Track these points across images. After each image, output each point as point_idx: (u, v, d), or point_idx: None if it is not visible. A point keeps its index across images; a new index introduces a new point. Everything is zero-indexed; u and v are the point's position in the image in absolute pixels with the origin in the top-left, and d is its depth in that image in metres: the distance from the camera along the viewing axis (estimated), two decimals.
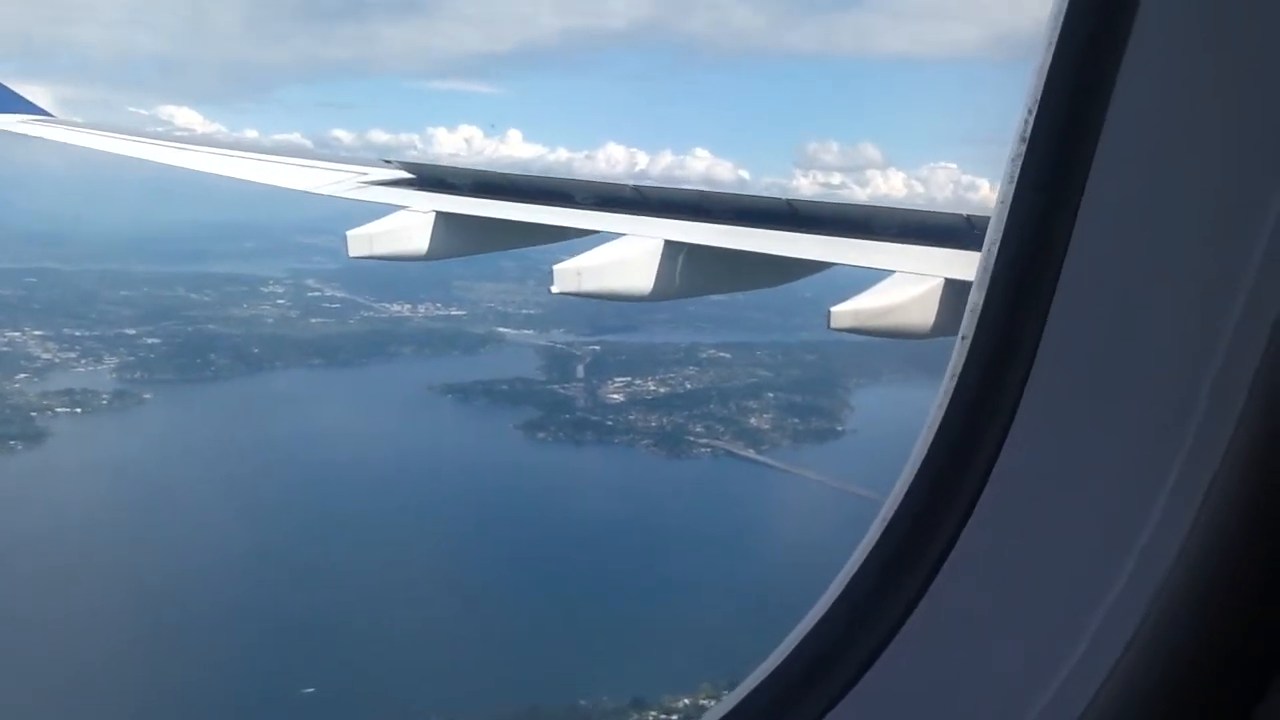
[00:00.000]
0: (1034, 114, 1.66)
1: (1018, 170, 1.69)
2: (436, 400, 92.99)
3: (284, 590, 58.72)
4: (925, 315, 6.83)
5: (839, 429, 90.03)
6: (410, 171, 10.66)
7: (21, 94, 15.73)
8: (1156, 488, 1.60)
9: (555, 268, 8.14)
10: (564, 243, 9.23)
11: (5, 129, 14.69)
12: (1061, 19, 1.61)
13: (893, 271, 7.12)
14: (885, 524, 1.93)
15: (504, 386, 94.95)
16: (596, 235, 8.78)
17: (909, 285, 6.91)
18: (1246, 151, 1.50)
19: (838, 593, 1.98)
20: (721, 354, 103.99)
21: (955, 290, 6.70)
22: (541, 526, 69.52)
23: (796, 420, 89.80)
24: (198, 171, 12.27)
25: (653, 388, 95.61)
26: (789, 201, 8.53)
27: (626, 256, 8.21)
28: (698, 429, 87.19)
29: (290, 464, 76.79)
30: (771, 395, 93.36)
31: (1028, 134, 1.67)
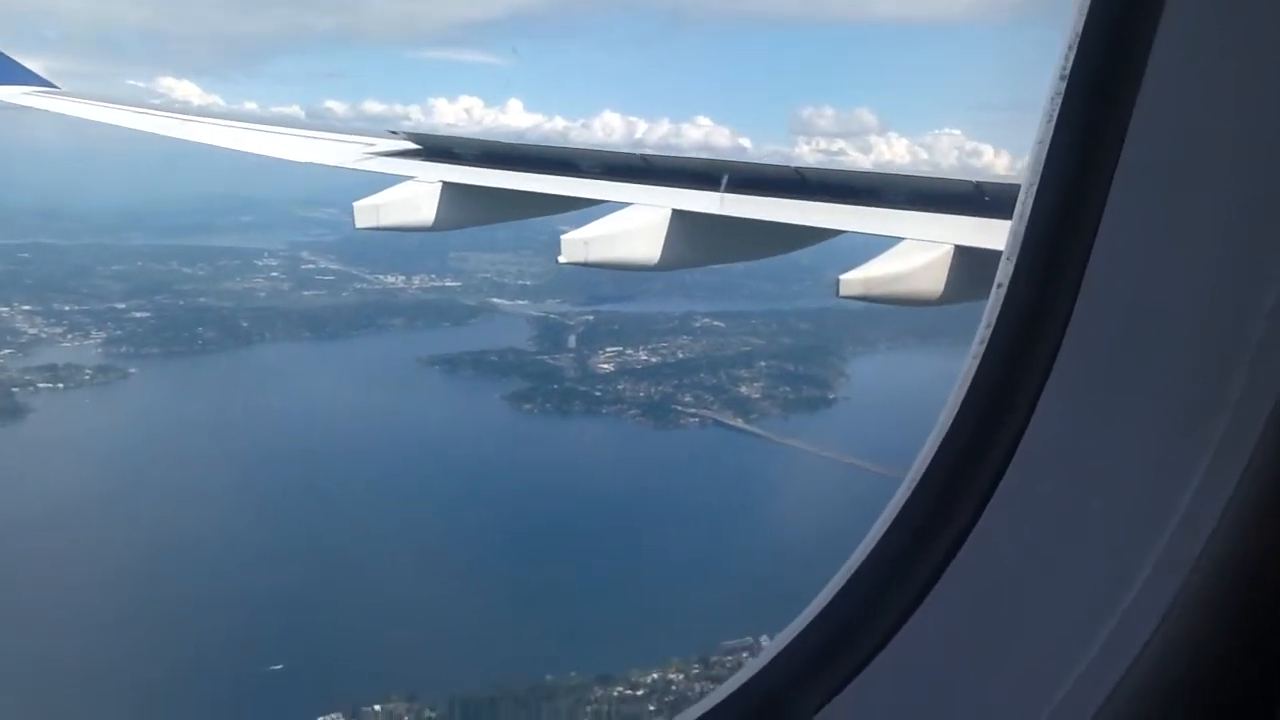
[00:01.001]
0: (1075, 49, 1.60)
1: (1057, 108, 1.64)
2: (423, 372, 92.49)
3: (257, 565, 58.51)
4: (935, 282, 6.75)
5: (831, 397, 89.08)
6: (416, 142, 10.69)
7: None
8: (1184, 479, 1.56)
9: (563, 238, 8.13)
10: (571, 212, 9.19)
11: (10, 101, 14.38)
12: None
13: (902, 238, 7.03)
14: (907, 496, 1.88)
15: (493, 357, 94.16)
16: (604, 205, 8.74)
17: (919, 252, 6.82)
18: None
19: (852, 572, 1.92)
20: (715, 323, 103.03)
21: (965, 257, 6.64)
22: (519, 498, 68.88)
23: (788, 389, 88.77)
24: (205, 144, 12.07)
25: (644, 357, 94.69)
26: (797, 169, 8.44)
27: (634, 226, 8.16)
28: (686, 399, 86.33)
29: (270, 437, 76.47)
30: (764, 364, 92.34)
31: (1068, 70, 1.61)
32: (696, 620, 53.13)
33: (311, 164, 10.73)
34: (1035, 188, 1.68)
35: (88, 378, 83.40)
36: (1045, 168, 1.66)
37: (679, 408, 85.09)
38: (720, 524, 65.54)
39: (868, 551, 1.92)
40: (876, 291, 6.97)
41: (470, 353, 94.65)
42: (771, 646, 2.04)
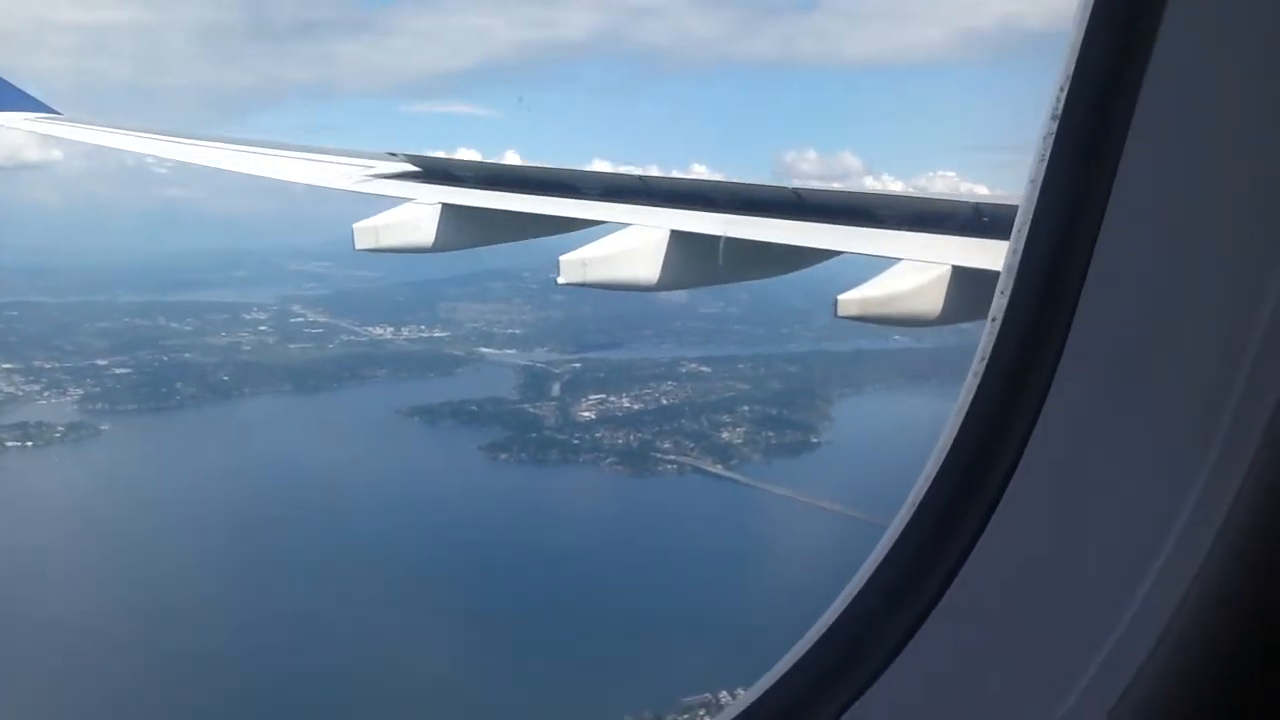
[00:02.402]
0: (1066, 90, 1.64)
1: (1049, 149, 1.68)
2: (402, 423, 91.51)
3: (214, 625, 57.19)
4: (933, 302, 6.77)
5: (814, 441, 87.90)
6: (416, 164, 10.65)
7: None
8: (1186, 486, 1.60)
9: (561, 258, 8.06)
10: (570, 234, 9.23)
11: (13, 126, 14.30)
12: None
13: (900, 259, 7.06)
14: (911, 512, 1.92)
15: (473, 407, 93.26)
16: (602, 226, 8.71)
17: (916, 273, 6.87)
18: None
19: (862, 583, 1.97)
20: (702, 368, 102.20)
21: (962, 277, 6.68)
22: (483, 552, 67.36)
23: (771, 433, 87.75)
24: (206, 166, 12.52)
25: (626, 404, 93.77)
26: (795, 190, 8.46)
27: (633, 246, 8.16)
28: (666, 445, 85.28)
29: (236, 492, 75.35)
30: (747, 409, 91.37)
31: (1059, 111, 1.65)
32: (658, 675, 51.55)
33: (313, 186, 11.00)
34: (1028, 225, 1.71)
35: (58, 435, 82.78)
36: (1038, 205, 1.69)
37: (657, 455, 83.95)
38: (689, 574, 63.87)
39: (875, 565, 1.94)
40: (874, 312, 6.92)
41: (450, 403, 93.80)
42: (783, 662, 2.02)
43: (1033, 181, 1.69)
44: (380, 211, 9.34)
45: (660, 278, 8.16)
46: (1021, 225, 1.72)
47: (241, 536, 68.40)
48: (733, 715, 2.03)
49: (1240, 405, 1.52)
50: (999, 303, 1.77)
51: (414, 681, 51.38)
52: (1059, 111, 1.62)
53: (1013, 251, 1.74)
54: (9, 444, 79.37)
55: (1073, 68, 1.60)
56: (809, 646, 1.99)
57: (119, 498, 73.36)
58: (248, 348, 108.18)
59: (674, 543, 69.11)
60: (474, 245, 9.94)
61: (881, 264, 7.15)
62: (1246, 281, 1.49)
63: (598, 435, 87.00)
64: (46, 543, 65.32)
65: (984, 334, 1.82)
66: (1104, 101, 1.59)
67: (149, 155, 13.41)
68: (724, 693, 49.58)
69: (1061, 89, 1.62)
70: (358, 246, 9.13)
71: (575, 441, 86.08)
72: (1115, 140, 1.57)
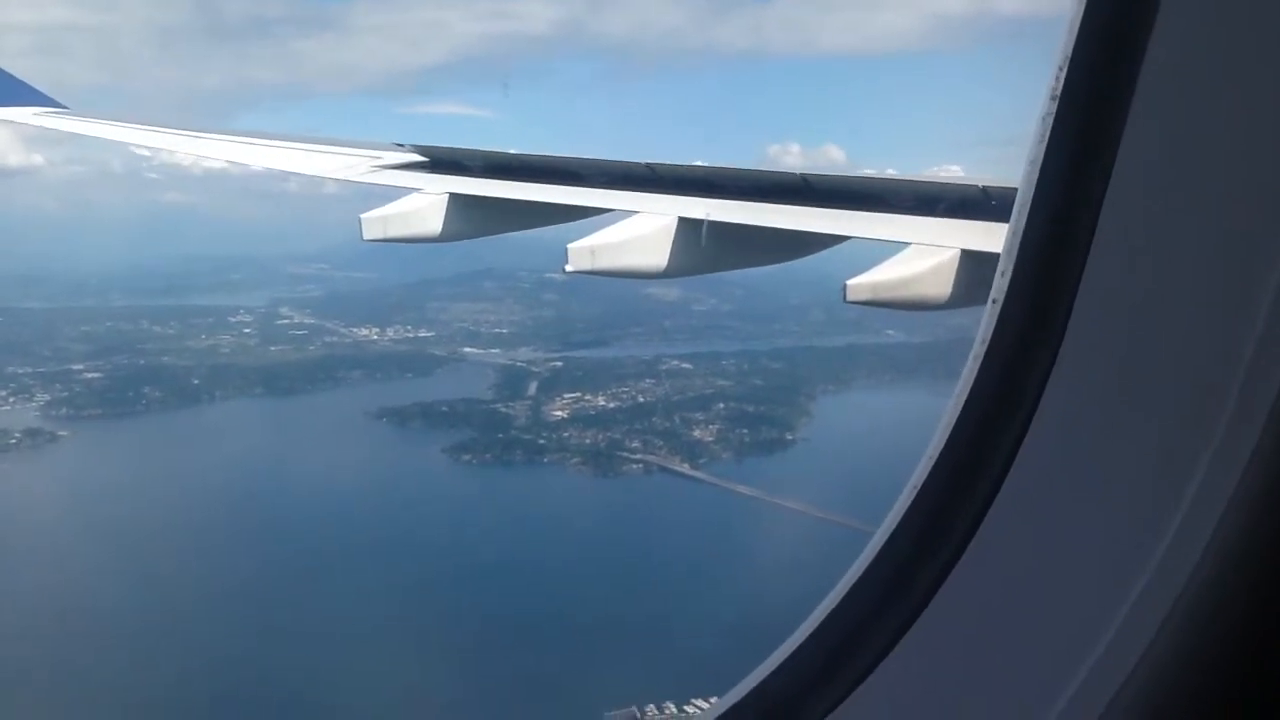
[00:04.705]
0: (1065, 70, 1.63)
1: (1049, 128, 1.67)
2: (369, 425, 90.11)
3: (158, 635, 55.84)
4: (942, 286, 6.77)
5: (790, 438, 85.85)
6: (423, 154, 10.73)
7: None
8: (1184, 481, 1.59)
9: (569, 246, 8.05)
10: (574, 223, 9.23)
11: (21, 121, 14.22)
12: None
13: (909, 243, 7.11)
14: (907, 506, 1.91)
15: (444, 408, 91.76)
16: (610, 213, 8.77)
17: (925, 257, 6.92)
18: None
19: (853, 581, 1.96)
20: (684, 365, 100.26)
21: (971, 261, 6.78)
22: (436, 556, 65.30)
23: (745, 431, 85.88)
24: (206, 169, 12.34)
25: (601, 403, 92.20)
26: (803, 175, 8.50)
27: (640, 234, 8.18)
28: (634, 444, 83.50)
29: (188, 499, 73.96)
30: (722, 406, 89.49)
31: (1059, 91, 1.65)
32: (589, 686, 49.39)
33: (318, 177, 11.07)
34: (1029, 206, 1.69)
35: (14, 442, 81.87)
36: (1038, 185, 1.67)
37: (624, 454, 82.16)
38: (639, 576, 61.50)
39: (870, 559, 1.91)
40: (884, 296, 6.90)
41: (420, 404, 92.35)
42: (774, 657, 1.99)
43: (1032, 162, 1.66)
44: (385, 204, 9.36)
45: (668, 265, 8.14)
46: (1022, 206, 1.70)
47: (189, 543, 66.98)
48: (721, 710, 1.99)
49: (1240, 399, 1.48)
50: (999, 284, 1.75)
51: (365, 683, 50.18)
52: (1058, 91, 1.59)
53: (1013, 232, 1.71)
54: None
55: (1072, 47, 1.56)
56: (797, 644, 1.95)
57: (68, 504, 72.13)
58: (226, 350, 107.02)
59: (629, 544, 66.93)
60: (481, 235, 9.98)
61: (887, 250, 7.14)
62: (1248, 271, 1.46)
63: (566, 435, 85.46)
64: None
65: (984, 316, 1.78)
66: (1105, 81, 1.55)
67: (158, 151, 13.80)
68: (651, 707, 47.36)
69: (1061, 68, 1.58)
70: (365, 237, 9.13)
71: (541, 441, 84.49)
72: (1116, 121, 1.53)
